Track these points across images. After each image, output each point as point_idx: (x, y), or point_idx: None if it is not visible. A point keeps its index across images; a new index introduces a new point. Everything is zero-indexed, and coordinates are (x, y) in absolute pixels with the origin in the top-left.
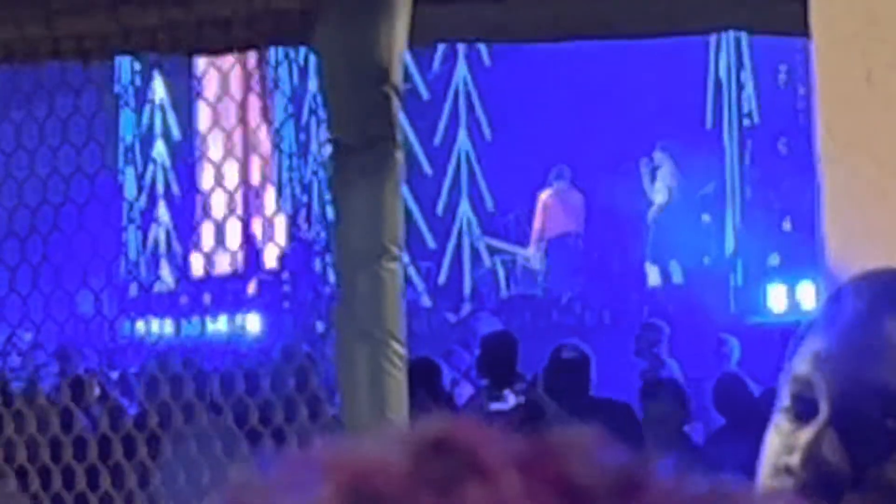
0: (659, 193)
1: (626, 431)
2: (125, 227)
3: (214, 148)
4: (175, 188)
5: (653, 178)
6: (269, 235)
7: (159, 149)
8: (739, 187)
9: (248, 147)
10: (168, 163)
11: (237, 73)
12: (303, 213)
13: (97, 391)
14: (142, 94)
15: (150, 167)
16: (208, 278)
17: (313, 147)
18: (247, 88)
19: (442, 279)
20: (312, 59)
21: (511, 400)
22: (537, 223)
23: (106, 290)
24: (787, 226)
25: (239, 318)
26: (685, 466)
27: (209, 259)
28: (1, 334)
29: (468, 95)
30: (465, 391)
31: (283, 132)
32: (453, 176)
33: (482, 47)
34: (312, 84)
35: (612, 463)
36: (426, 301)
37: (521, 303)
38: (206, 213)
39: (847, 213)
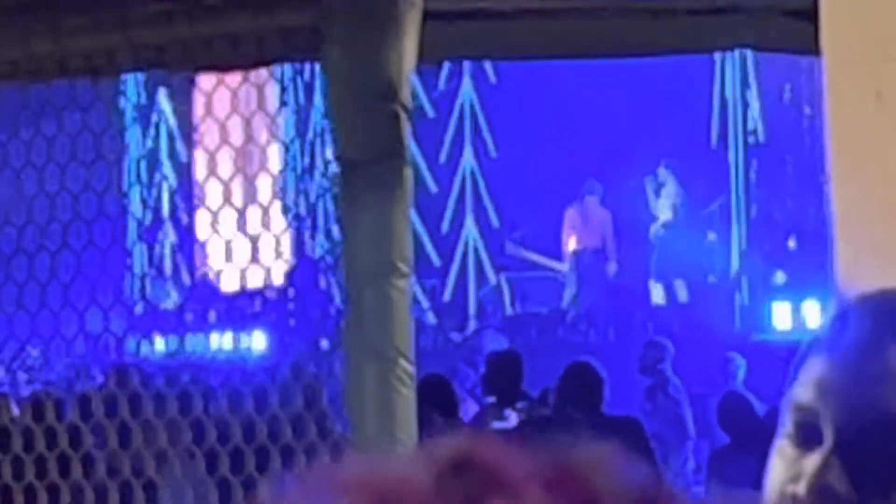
0: (663, 211)
1: (636, 448)
2: (132, 245)
3: (221, 166)
4: (181, 205)
5: (657, 196)
6: (275, 253)
7: (166, 166)
8: (745, 205)
9: (256, 164)
10: (174, 180)
11: (245, 90)
12: (309, 230)
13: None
14: (148, 112)
15: (157, 184)
16: (214, 295)
17: (320, 164)
18: (254, 105)
19: (447, 297)
20: (320, 76)
21: (513, 419)
22: (565, 237)
23: (113, 308)
24: (792, 244)
25: (244, 335)
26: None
27: (215, 275)
28: (9, 351)
29: (473, 113)
30: (469, 409)
31: (290, 149)
32: (458, 194)
33: (487, 65)
34: (319, 101)
35: (632, 480)
36: (431, 319)
37: (526, 320)
38: (213, 229)
39: (857, 231)
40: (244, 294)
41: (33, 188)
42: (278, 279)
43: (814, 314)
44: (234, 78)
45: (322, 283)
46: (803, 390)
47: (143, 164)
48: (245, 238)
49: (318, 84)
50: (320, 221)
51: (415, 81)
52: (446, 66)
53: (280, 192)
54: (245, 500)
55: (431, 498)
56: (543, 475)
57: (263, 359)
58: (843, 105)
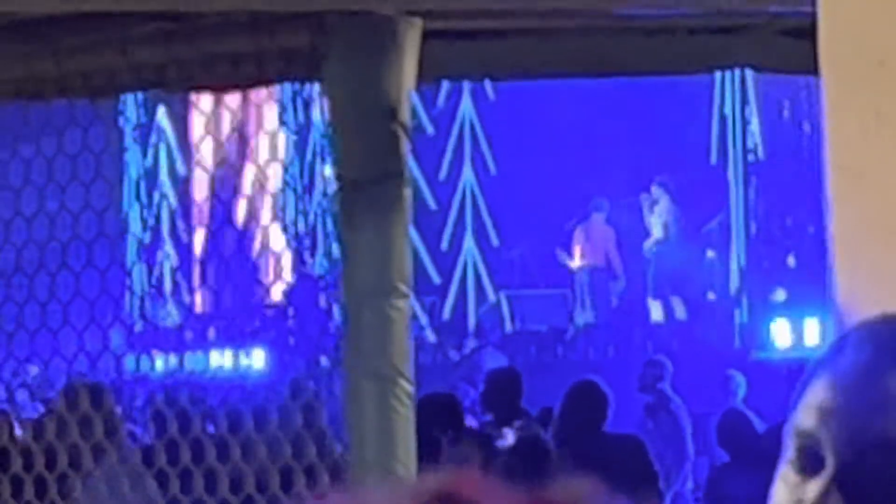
0: (655, 228)
1: (638, 467)
2: (132, 263)
3: (220, 183)
4: (181, 224)
5: (651, 214)
6: (275, 271)
7: (165, 185)
8: (744, 222)
9: (255, 183)
10: (174, 198)
11: (244, 109)
12: (308, 248)
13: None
14: (147, 132)
15: (156, 203)
16: (214, 313)
17: (319, 182)
18: (254, 125)
19: (447, 314)
20: (319, 95)
21: (510, 437)
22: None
23: (112, 326)
24: (791, 262)
25: (244, 353)
26: None
27: (215, 294)
28: (9, 369)
29: (473, 131)
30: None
31: (289, 168)
32: (458, 211)
33: (486, 83)
34: (319, 119)
35: None
36: (431, 336)
37: (526, 338)
38: (214, 248)
39: (856, 251)
40: (244, 312)
41: (33, 207)
42: (278, 297)
43: (814, 332)
44: (232, 98)
45: (322, 302)
46: (805, 416)
47: (142, 183)
48: (245, 256)
49: (317, 103)
50: (321, 240)
51: (414, 99)
52: (445, 83)
53: (280, 212)
54: None
55: None
56: None
57: (263, 376)
58: (842, 125)
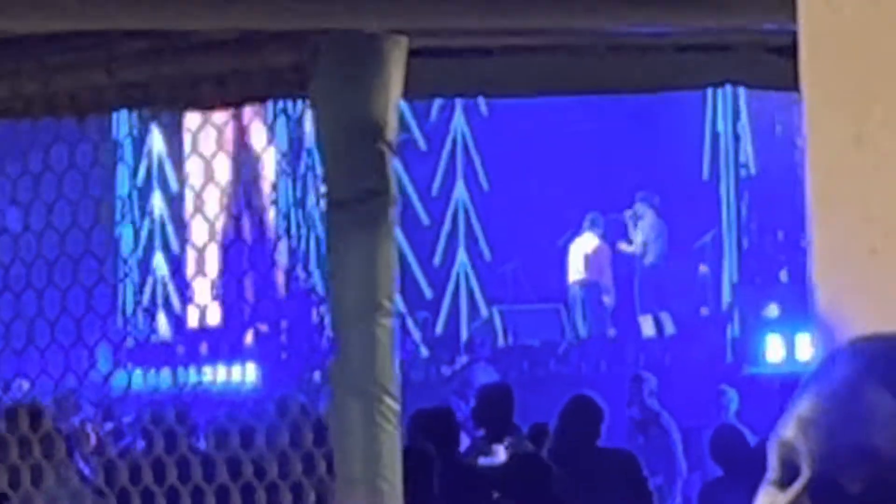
0: (636, 244)
1: (632, 482)
2: (122, 279)
3: (209, 202)
4: (172, 240)
5: (633, 229)
6: (266, 286)
7: (157, 201)
8: (736, 238)
9: (245, 200)
10: (166, 214)
11: (232, 127)
12: (301, 263)
13: (93, 442)
14: (139, 147)
15: (147, 219)
16: (205, 329)
17: (311, 198)
18: (242, 143)
19: (439, 329)
20: (308, 113)
21: (501, 454)
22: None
23: (102, 342)
24: (784, 276)
25: (237, 368)
26: None
27: (205, 310)
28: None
29: (465, 146)
30: (462, 442)
31: (279, 184)
32: (451, 226)
33: (479, 98)
34: (309, 137)
35: None
36: (423, 351)
37: (518, 353)
38: (200, 267)
39: (837, 272)
40: (235, 328)
41: (20, 226)
42: (269, 313)
43: (806, 347)
44: (221, 115)
45: (314, 317)
46: (786, 427)
47: (135, 199)
48: (233, 274)
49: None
50: (313, 255)
51: (407, 114)
52: (438, 99)
53: (273, 226)
54: None
55: None
56: None
57: (255, 391)
58: (824, 147)
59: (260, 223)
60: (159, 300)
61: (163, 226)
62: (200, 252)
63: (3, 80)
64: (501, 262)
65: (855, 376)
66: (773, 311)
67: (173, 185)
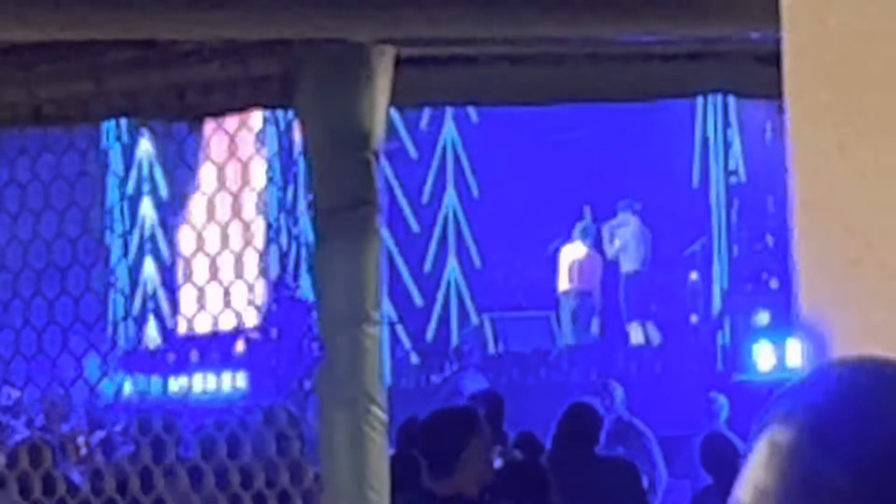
0: (612, 250)
1: (630, 489)
2: (112, 286)
3: (197, 212)
4: (163, 247)
5: (612, 237)
6: (251, 299)
7: (147, 208)
8: (726, 245)
9: (235, 206)
10: (156, 221)
11: (219, 137)
12: (290, 271)
13: (83, 451)
14: (128, 156)
15: (138, 226)
16: (195, 337)
17: (300, 205)
18: (229, 152)
19: (430, 337)
20: (295, 122)
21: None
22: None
23: (92, 349)
24: (774, 284)
25: (226, 375)
26: None
27: (195, 319)
28: None
29: (456, 153)
30: None
31: (269, 190)
32: (441, 233)
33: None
34: (296, 147)
35: None
36: (414, 359)
37: (509, 360)
38: (188, 276)
39: (821, 283)
40: (225, 336)
41: (6, 235)
42: (259, 321)
43: (796, 354)
44: (209, 124)
45: (304, 325)
46: (744, 491)
47: (124, 207)
48: (223, 282)
49: (294, 129)
50: (303, 262)
51: (397, 122)
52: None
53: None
54: None
55: None
56: None
57: (245, 399)
58: (807, 156)
59: (247, 232)
60: (149, 308)
61: (152, 234)
62: (189, 261)
63: None
64: (492, 269)
65: (810, 441)
66: (763, 318)
67: (163, 193)
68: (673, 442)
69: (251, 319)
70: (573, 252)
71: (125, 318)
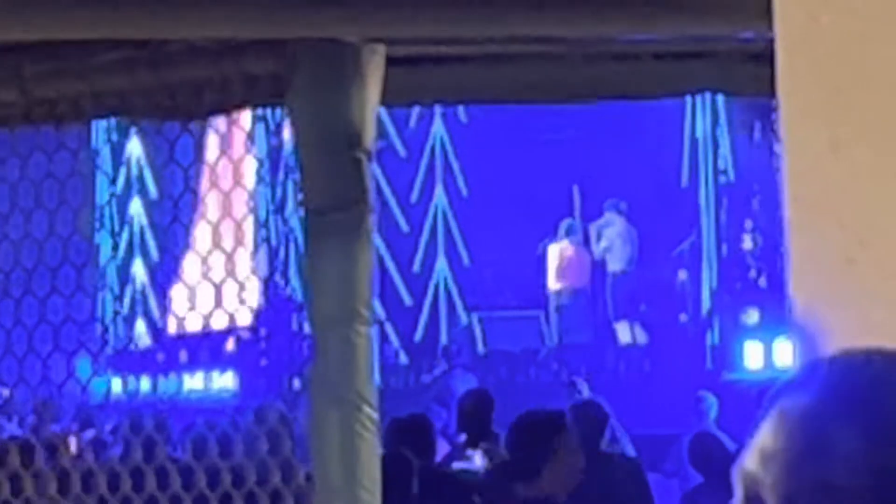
0: (599, 250)
1: (636, 487)
2: (101, 287)
3: (185, 211)
4: (152, 248)
5: (598, 237)
6: (243, 298)
7: (136, 208)
8: (715, 244)
9: (223, 208)
10: (145, 221)
11: (210, 136)
12: (280, 270)
13: (73, 451)
14: (118, 155)
15: (127, 226)
16: (185, 336)
17: (291, 205)
18: (220, 151)
19: (419, 336)
20: (286, 121)
21: (478, 460)
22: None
23: (81, 351)
24: (763, 283)
25: (216, 375)
26: None
27: (185, 318)
28: None
29: (445, 152)
30: (441, 448)
31: (258, 191)
32: (430, 233)
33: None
34: (287, 146)
35: None
36: (403, 359)
37: (498, 359)
38: (179, 274)
39: (813, 280)
40: (214, 335)
41: None
42: (249, 320)
43: (785, 353)
44: (199, 124)
45: (294, 324)
46: (750, 458)
47: (113, 207)
48: (214, 280)
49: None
50: (293, 262)
51: (386, 121)
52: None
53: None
54: None
55: None
56: None
57: (234, 399)
58: (800, 154)
59: (238, 231)
60: (138, 307)
61: (142, 233)
62: (179, 260)
63: None
64: (481, 268)
65: (814, 404)
66: (752, 317)
67: (152, 193)
68: (662, 441)
69: (243, 319)
70: (560, 250)
71: (115, 318)
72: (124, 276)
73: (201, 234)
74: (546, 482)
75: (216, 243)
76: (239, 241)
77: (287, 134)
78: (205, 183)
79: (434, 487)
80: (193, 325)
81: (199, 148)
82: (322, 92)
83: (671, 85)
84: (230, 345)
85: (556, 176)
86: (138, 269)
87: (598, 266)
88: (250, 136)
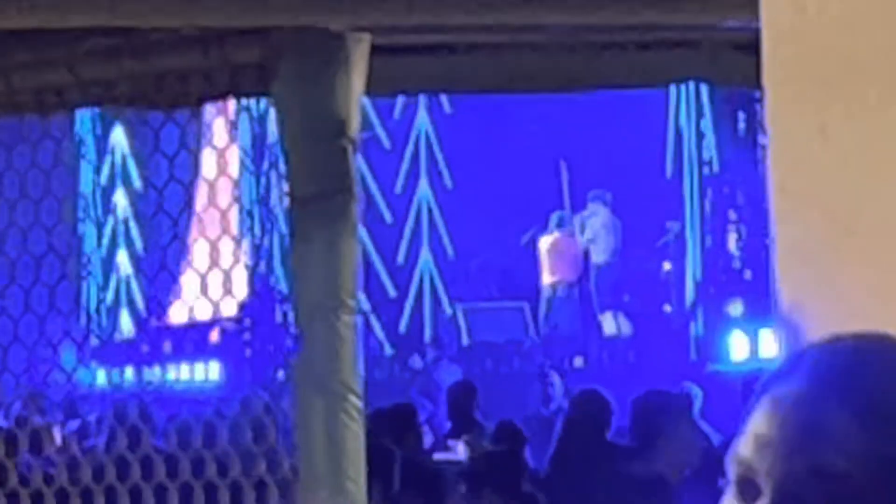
0: (584, 242)
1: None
2: (85, 277)
3: (171, 201)
4: (136, 238)
5: (583, 228)
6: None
7: (120, 199)
8: (699, 236)
9: (209, 197)
10: (129, 212)
11: (195, 125)
12: (265, 260)
13: (58, 442)
14: (103, 144)
15: (111, 217)
16: (169, 327)
17: (275, 195)
18: (205, 140)
19: (403, 327)
20: (271, 110)
21: (461, 450)
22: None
23: (65, 341)
24: (747, 274)
25: (200, 366)
26: None
27: (170, 309)
28: None
29: (429, 143)
30: (426, 439)
31: (242, 181)
32: (414, 224)
33: (443, 96)
34: (272, 135)
35: None
36: (387, 349)
37: (482, 350)
38: (164, 265)
39: (800, 269)
40: (199, 326)
41: None
42: (234, 311)
43: (770, 344)
44: (184, 113)
45: (279, 315)
46: (744, 444)
47: (97, 197)
48: (199, 270)
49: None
50: (277, 252)
51: (370, 112)
52: (401, 97)
53: (235, 224)
54: None
55: None
56: None
57: (219, 390)
58: (787, 142)
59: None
60: (123, 298)
61: (126, 224)
62: (164, 250)
63: None
64: (465, 260)
65: (808, 389)
66: (736, 308)
67: (136, 182)
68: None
69: (228, 310)
70: (551, 242)
71: (99, 308)
72: (108, 266)
73: (187, 225)
74: (662, 463)
75: (202, 233)
76: (225, 231)
77: (271, 124)
78: (190, 172)
79: (416, 478)
80: (179, 317)
81: (184, 137)
82: (307, 81)
83: (658, 75)
84: (215, 336)
85: (540, 168)
86: (123, 260)
87: (583, 257)
88: (235, 126)
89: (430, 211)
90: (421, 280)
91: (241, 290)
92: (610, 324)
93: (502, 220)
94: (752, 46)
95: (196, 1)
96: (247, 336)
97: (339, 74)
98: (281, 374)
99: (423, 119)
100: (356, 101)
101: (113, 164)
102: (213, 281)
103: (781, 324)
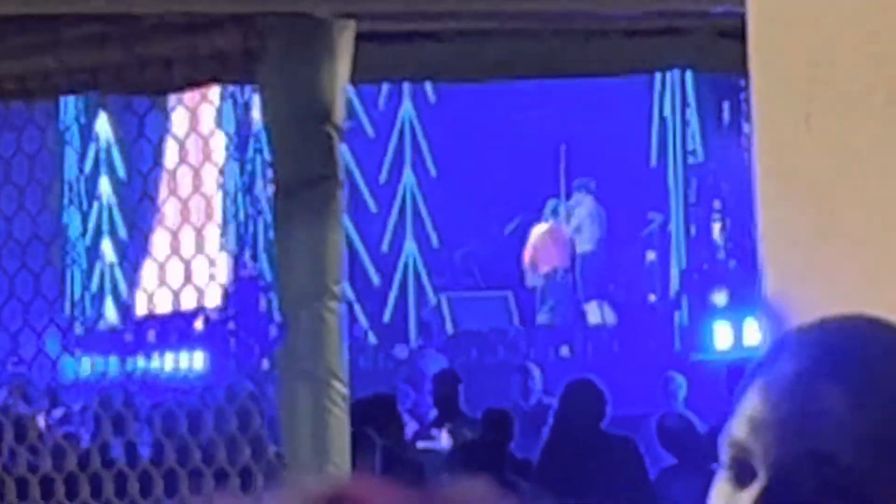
0: (569, 231)
1: (633, 467)
2: (69, 265)
3: (156, 188)
4: (120, 225)
5: (568, 216)
6: (213, 274)
7: (104, 187)
8: (684, 225)
9: (193, 185)
10: (114, 200)
11: (180, 112)
12: (249, 250)
13: (42, 429)
14: (87, 132)
15: (96, 205)
16: (153, 316)
17: (259, 184)
18: (190, 128)
19: (387, 317)
20: (256, 97)
21: (444, 438)
22: (527, 256)
23: (50, 329)
24: (732, 263)
25: (185, 355)
26: None
27: (154, 297)
28: None
29: (413, 133)
30: (410, 427)
31: (227, 169)
32: (398, 213)
33: (427, 85)
34: (257, 122)
35: None
36: (372, 338)
37: (466, 340)
38: (149, 252)
39: (785, 255)
40: (183, 315)
41: None
42: (218, 300)
43: (754, 334)
44: (169, 99)
45: (262, 304)
46: (738, 426)
47: (81, 184)
48: (183, 260)
49: (256, 104)
50: (261, 241)
51: (354, 101)
52: (385, 85)
53: (219, 214)
54: None
55: None
56: None
57: (203, 379)
58: (772, 128)
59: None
60: (107, 286)
61: (110, 211)
62: (148, 237)
63: None
64: (450, 249)
65: (802, 370)
66: (720, 298)
67: (120, 170)
68: (631, 421)
69: (212, 299)
70: (545, 230)
71: (83, 296)
72: (93, 254)
73: (170, 211)
74: None
75: (185, 219)
76: (209, 217)
77: (256, 111)
78: (174, 158)
79: (396, 467)
80: (163, 306)
81: (168, 123)
82: (292, 67)
83: (644, 62)
84: (199, 325)
85: (524, 156)
86: (107, 248)
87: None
88: (219, 112)
89: (414, 200)
90: (405, 269)
91: (225, 276)
92: (595, 313)
93: (487, 209)
94: (737, 34)
95: None
96: (231, 325)
97: (324, 61)
98: (265, 362)
99: (407, 108)
100: (341, 87)
101: (97, 151)
102: (198, 267)
103: (767, 309)
